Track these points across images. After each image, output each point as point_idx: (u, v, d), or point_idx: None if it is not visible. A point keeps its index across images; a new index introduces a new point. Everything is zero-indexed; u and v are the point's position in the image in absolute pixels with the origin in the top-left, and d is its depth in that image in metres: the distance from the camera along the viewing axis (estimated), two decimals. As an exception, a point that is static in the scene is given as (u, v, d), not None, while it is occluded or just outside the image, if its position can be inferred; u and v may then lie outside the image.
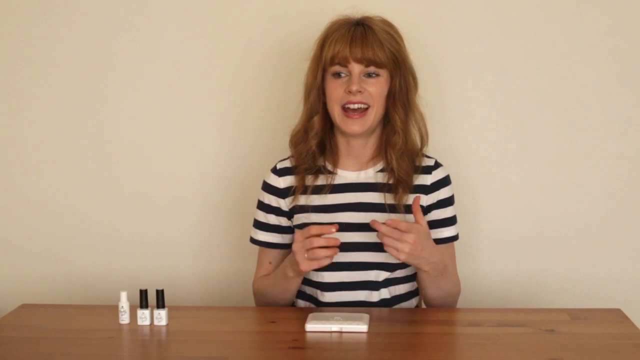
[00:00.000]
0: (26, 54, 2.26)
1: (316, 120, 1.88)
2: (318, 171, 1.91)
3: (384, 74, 1.83)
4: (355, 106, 1.82)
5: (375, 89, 1.82)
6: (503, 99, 2.19)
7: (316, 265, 1.72)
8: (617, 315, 1.77)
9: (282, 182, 1.93)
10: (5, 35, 2.26)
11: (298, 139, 1.91)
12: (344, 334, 1.64)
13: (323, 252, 1.70)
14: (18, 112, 2.28)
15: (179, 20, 2.22)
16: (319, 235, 1.71)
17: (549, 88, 2.17)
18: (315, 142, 1.89)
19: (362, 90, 1.81)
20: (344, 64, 1.81)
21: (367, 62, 1.80)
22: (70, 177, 2.29)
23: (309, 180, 1.90)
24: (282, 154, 1.98)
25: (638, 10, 2.14)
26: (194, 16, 2.21)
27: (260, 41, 2.20)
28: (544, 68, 2.17)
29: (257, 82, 2.22)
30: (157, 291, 1.72)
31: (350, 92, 1.80)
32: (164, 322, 1.72)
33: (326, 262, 1.71)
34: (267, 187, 1.94)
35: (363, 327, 1.65)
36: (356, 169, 1.92)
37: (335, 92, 1.83)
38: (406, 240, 1.70)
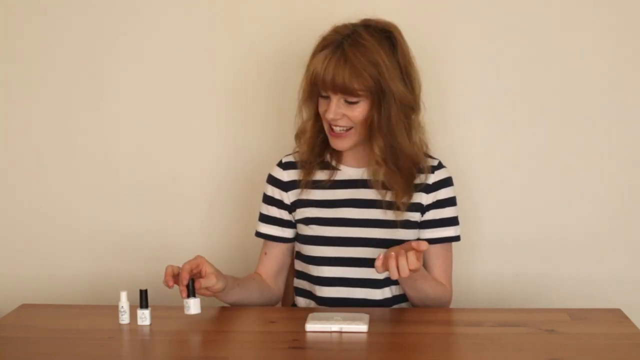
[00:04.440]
0: (22, 56, 2.26)
1: (308, 126, 1.91)
2: (323, 166, 1.92)
3: (363, 100, 1.82)
4: (338, 129, 1.84)
5: (354, 115, 1.83)
6: (503, 100, 2.19)
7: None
8: (617, 315, 1.77)
9: (286, 175, 1.94)
10: (4, 37, 2.26)
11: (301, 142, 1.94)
12: (344, 334, 1.64)
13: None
14: (19, 113, 2.28)
15: (181, 21, 2.22)
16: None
17: (549, 89, 2.17)
18: (305, 148, 1.91)
19: (340, 117, 1.82)
20: (323, 89, 1.82)
21: (340, 92, 1.80)
22: (71, 177, 2.29)
23: (313, 174, 1.91)
24: (283, 155, 1.99)
25: (637, 11, 2.14)
26: (197, 17, 2.21)
27: (263, 42, 2.20)
28: (544, 70, 2.17)
29: (259, 83, 2.22)
30: (191, 281, 1.72)
31: (326, 118, 1.83)
32: (192, 311, 1.72)
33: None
34: (272, 180, 1.96)
35: (363, 327, 1.65)
36: (360, 165, 1.93)
37: (322, 111, 1.86)
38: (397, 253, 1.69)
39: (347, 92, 1.80)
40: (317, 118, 1.89)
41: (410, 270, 1.65)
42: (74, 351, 1.61)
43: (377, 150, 1.85)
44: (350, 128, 1.84)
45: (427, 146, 1.93)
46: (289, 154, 1.98)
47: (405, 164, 1.87)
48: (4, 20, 2.25)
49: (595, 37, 2.15)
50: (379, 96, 1.81)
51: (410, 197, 1.88)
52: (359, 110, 1.82)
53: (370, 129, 1.84)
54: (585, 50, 2.16)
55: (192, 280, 1.72)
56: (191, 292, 1.72)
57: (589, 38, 2.15)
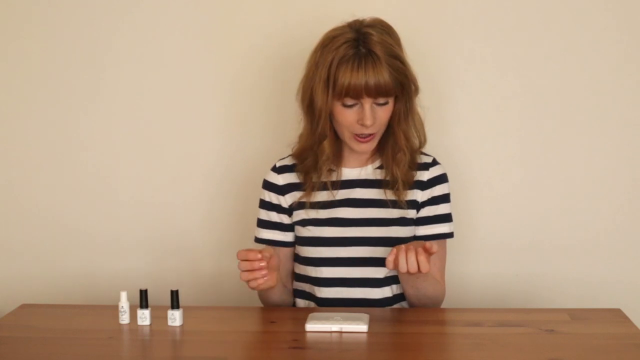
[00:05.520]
0: (21, 56, 2.26)
1: (326, 145, 1.88)
2: (321, 169, 1.92)
3: (391, 99, 1.83)
4: (366, 134, 1.84)
5: (384, 115, 1.84)
6: (502, 99, 2.18)
7: (252, 286, 1.71)
8: (617, 315, 1.77)
9: (282, 180, 1.94)
10: (2, 37, 2.26)
11: (305, 155, 1.91)
12: (344, 334, 1.64)
13: (245, 276, 1.70)
14: (18, 114, 2.28)
15: (181, 22, 2.22)
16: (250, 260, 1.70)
17: (548, 89, 2.17)
18: (327, 168, 1.90)
19: (374, 122, 1.82)
20: (358, 98, 1.80)
21: (380, 95, 1.80)
22: (71, 177, 2.29)
23: (314, 178, 1.91)
24: (284, 155, 1.99)
25: (638, 10, 2.14)
26: (197, 18, 2.21)
27: (263, 43, 2.20)
28: (543, 69, 2.16)
29: (259, 84, 2.22)
30: (172, 292, 1.72)
31: (363, 124, 1.81)
32: (177, 323, 1.72)
33: (254, 284, 1.70)
34: (267, 185, 1.96)
35: (363, 327, 1.65)
36: (357, 165, 1.93)
37: (346, 119, 1.83)
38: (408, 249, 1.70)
39: (386, 93, 1.80)
40: (331, 132, 1.88)
41: (420, 271, 1.67)
42: (74, 351, 1.61)
43: (402, 139, 1.87)
44: (375, 132, 1.85)
45: (425, 139, 1.94)
46: (283, 158, 1.97)
47: (413, 149, 1.90)
48: (3, 20, 2.25)
49: (597, 37, 2.15)
50: (403, 88, 1.83)
51: (408, 189, 1.89)
52: (388, 110, 1.83)
53: (397, 120, 1.86)
54: (587, 50, 2.15)
55: (177, 291, 1.72)
56: (175, 304, 1.72)
57: (590, 38, 2.15)
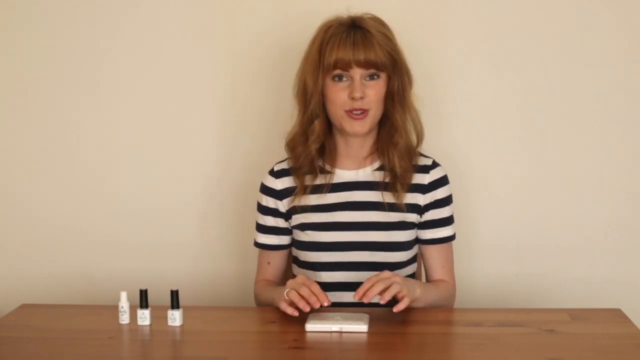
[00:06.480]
0: (25, 55, 2.26)
1: (317, 124, 1.88)
2: (316, 171, 1.91)
3: (383, 75, 1.84)
4: (358, 111, 1.83)
5: (375, 92, 1.83)
6: (502, 99, 2.19)
7: (288, 310, 1.70)
8: (617, 315, 1.77)
9: (280, 184, 1.93)
10: (2, 37, 2.26)
11: (296, 143, 1.91)
12: (344, 334, 1.64)
13: (299, 302, 1.68)
14: (18, 115, 2.28)
15: (178, 21, 2.22)
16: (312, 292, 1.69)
17: (548, 89, 2.17)
18: (315, 147, 1.89)
19: (364, 96, 1.81)
20: (346, 68, 1.81)
21: (369, 66, 1.81)
22: (71, 177, 2.29)
23: (308, 180, 1.91)
24: (282, 155, 1.99)
25: (638, 10, 2.14)
26: (193, 17, 2.21)
27: (259, 42, 2.20)
28: (543, 68, 2.17)
29: (256, 83, 2.22)
30: (172, 292, 1.72)
31: (353, 98, 1.81)
32: (177, 323, 1.72)
33: (291, 311, 1.69)
34: (265, 189, 1.95)
35: (363, 327, 1.65)
36: (354, 167, 1.92)
37: (338, 96, 1.83)
38: (386, 278, 1.69)
39: (375, 65, 1.81)
40: (323, 116, 1.88)
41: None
42: (74, 351, 1.61)
43: (398, 121, 1.87)
44: (367, 110, 1.84)
45: (423, 132, 1.94)
46: (281, 161, 1.97)
47: (409, 142, 1.90)
48: (3, 20, 2.25)
49: (597, 37, 2.15)
50: (394, 69, 1.84)
51: (407, 192, 1.89)
52: (379, 86, 1.83)
53: (392, 102, 1.86)
54: (586, 50, 2.15)
55: (177, 291, 1.72)
56: (175, 304, 1.72)
57: (590, 38, 2.15)
